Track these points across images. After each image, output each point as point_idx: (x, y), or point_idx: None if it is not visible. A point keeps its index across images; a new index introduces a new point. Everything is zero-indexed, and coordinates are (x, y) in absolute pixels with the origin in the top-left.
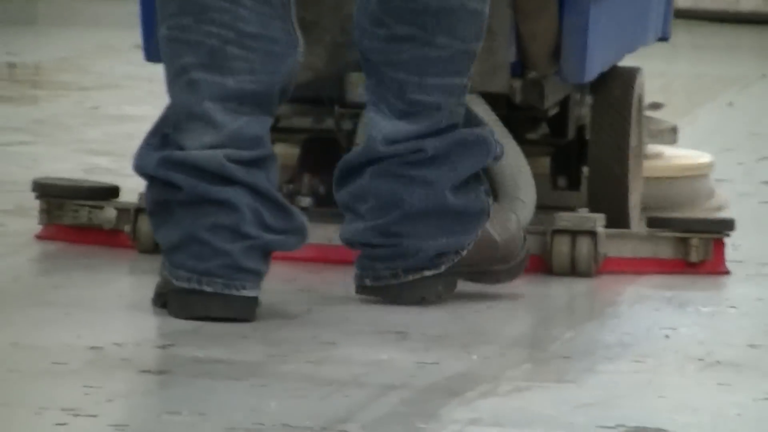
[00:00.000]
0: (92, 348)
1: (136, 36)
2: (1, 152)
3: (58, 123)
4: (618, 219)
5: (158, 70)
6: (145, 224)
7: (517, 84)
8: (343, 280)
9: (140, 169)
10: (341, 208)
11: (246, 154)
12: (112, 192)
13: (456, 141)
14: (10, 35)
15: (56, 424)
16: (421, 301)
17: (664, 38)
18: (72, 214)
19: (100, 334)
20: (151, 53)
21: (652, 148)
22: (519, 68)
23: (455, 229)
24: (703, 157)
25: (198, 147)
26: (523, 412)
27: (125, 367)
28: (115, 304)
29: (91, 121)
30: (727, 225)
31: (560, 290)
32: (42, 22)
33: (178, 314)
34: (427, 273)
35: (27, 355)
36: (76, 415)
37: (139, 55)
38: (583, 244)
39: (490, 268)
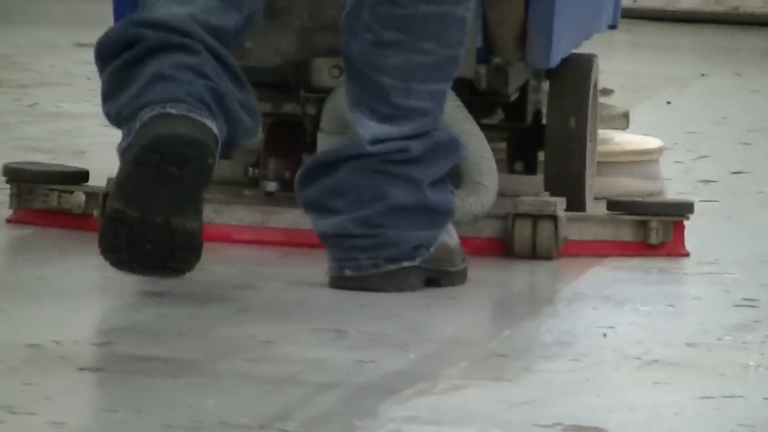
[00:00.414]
0: (30, 345)
1: (76, 34)
2: None
3: None
4: (575, 203)
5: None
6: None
7: (483, 70)
8: (280, 277)
9: (100, 45)
10: (307, 205)
11: (215, 22)
12: (81, 176)
13: (435, 141)
14: None
15: None
16: (399, 291)
17: (613, 26)
18: (42, 198)
19: (39, 330)
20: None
21: (605, 133)
22: (485, 54)
23: (429, 224)
24: (652, 143)
25: (163, 13)
26: (460, 410)
27: (63, 364)
28: (57, 300)
29: (30, 118)
30: (687, 208)
31: (498, 288)
32: None
33: (144, 139)
34: (406, 264)
35: None
36: (14, 413)
37: (79, 52)
38: (545, 228)
39: (445, 269)
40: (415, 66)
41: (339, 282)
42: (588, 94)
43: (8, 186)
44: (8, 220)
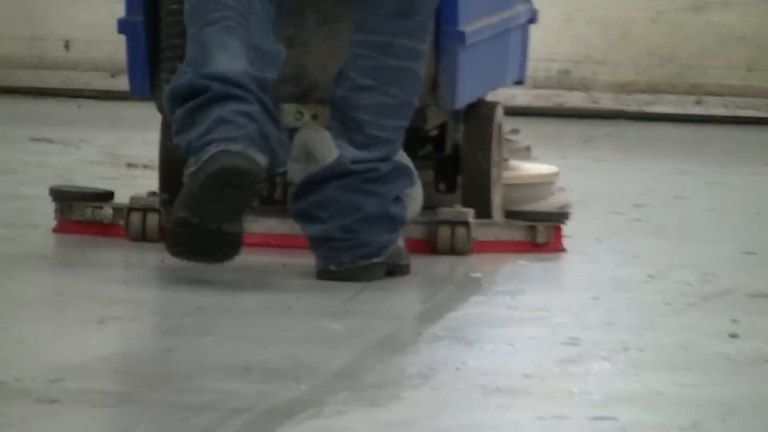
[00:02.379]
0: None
1: (30, 130)
2: None
3: None
4: (484, 213)
5: (48, 159)
6: (135, 218)
7: None
8: (200, 322)
9: (173, 89)
10: (298, 215)
11: (259, 76)
12: (109, 195)
13: (395, 165)
14: None
15: None
16: (369, 281)
17: (520, 82)
18: (79, 212)
19: (3, 369)
20: (136, 90)
21: (513, 162)
22: None
23: (391, 230)
24: (549, 169)
25: (224, 67)
26: (343, 430)
27: (23, 396)
28: (18, 339)
29: None
30: (564, 216)
31: (377, 327)
32: None
33: (211, 168)
34: (375, 260)
35: None
36: None
37: (33, 145)
38: (460, 231)
39: (398, 263)
40: (384, 106)
41: (325, 275)
42: (491, 133)
43: (54, 203)
44: (54, 230)
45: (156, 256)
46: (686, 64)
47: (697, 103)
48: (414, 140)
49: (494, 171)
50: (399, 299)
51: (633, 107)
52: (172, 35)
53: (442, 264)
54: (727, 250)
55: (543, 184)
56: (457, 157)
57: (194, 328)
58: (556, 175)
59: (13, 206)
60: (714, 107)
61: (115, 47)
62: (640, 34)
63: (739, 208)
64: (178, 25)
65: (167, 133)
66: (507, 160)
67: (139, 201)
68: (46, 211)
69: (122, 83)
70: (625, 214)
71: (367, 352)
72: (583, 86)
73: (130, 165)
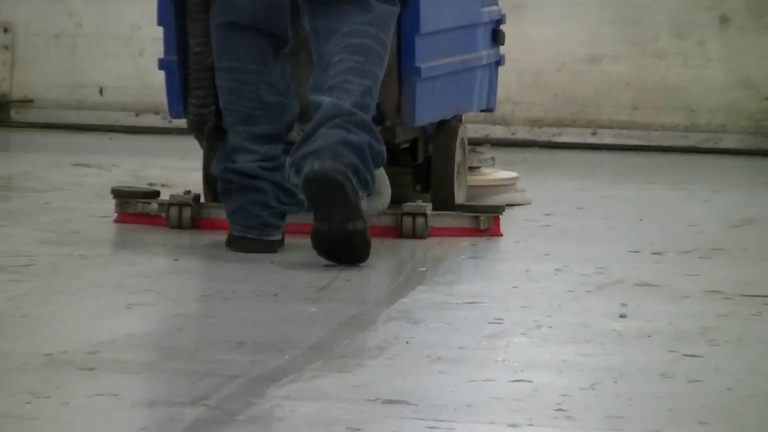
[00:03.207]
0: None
1: (72, 157)
2: None
3: (22, 212)
4: (447, 206)
5: (86, 179)
6: (173, 212)
7: (378, 128)
8: (205, 306)
9: (213, 172)
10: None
11: (269, 164)
12: (155, 194)
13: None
14: None
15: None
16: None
17: (489, 109)
18: (132, 206)
19: (50, 344)
20: (173, 112)
21: (485, 169)
22: (380, 119)
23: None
24: (510, 174)
25: (243, 161)
26: (317, 391)
27: (67, 365)
28: (62, 320)
29: (44, 212)
30: (500, 209)
31: (344, 310)
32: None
33: (236, 250)
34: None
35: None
36: (37, 397)
37: (75, 169)
38: (420, 220)
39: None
40: (350, 68)
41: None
42: (454, 146)
43: (114, 200)
44: (115, 220)
45: (177, 251)
46: (584, 104)
47: (593, 134)
48: (393, 152)
49: (457, 176)
50: (362, 288)
51: (543, 138)
52: (197, 70)
53: (404, 249)
54: (617, 249)
55: (506, 186)
56: (429, 164)
57: (200, 312)
58: (516, 179)
59: (59, 217)
60: (606, 138)
61: (137, 92)
62: (548, 81)
63: (627, 216)
64: (200, 62)
65: (207, 147)
66: (479, 167)
67: (176, 198)
68: (86, 220)
69: (145, 120)
70: (537, 221)
71: (336, 330)
72: (504, 121)
73: (150, 184)
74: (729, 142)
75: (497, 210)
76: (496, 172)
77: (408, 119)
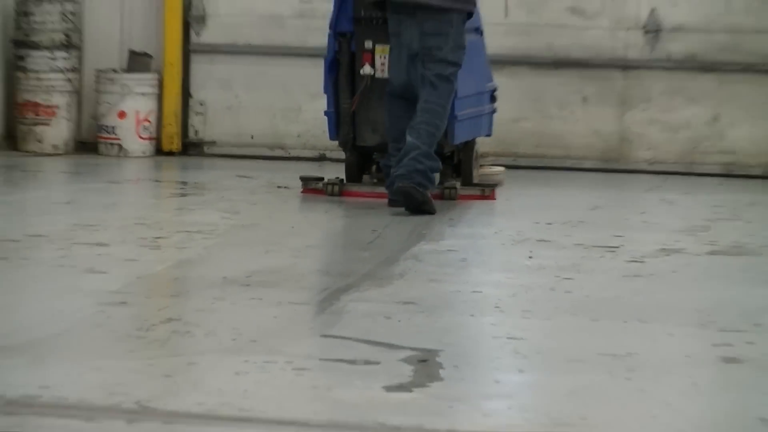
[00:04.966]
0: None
1: (236, 172)
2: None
3: (209, 201)
4: (469, 184)
5: (243, 182)
6: (329, 188)
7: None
8: (314, 252)
9: (382, 162)
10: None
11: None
12: (321, 179)
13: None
14: None
15: None
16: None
17: (489, 134)
18: (311, 184)
19: (221, 272)
20: (331, 136)
21: (490, 167)
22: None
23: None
24: (499, 169)
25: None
26: (367, 297)
27: (231, 284)
28: (231, 261)
29: (223, 200)
30: (495, 185)
31: (380, 255)
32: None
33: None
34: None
35: None
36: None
37: (237, 180)
38: (451, 191)
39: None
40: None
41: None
42: (473, 155)
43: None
44: (301, 192)
45: (326, 210)
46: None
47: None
48: (442, 156)
49: (474, 171)
50: (391, 243)
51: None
52: (345, 116)
53: (440, 209)
54: (528, 222)
55: (499, 174)
56: (460, 163)
57: (306, 254)
58: (504, 171)
59: (232, 201)
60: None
61: (272, 138)
62: (502, 132)
63: (535, 204)
64: (346, 111)
65: (348, 155)
66: (483, 166)
67: (331, 180)
68: (246, 201)
69: (275, 153)
70: (495, 206)
71: (377, 265)
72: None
73: (279, 187)
74: (588, 164)
75: (493, 186)
76: (492, 167)
77: (450, 140)
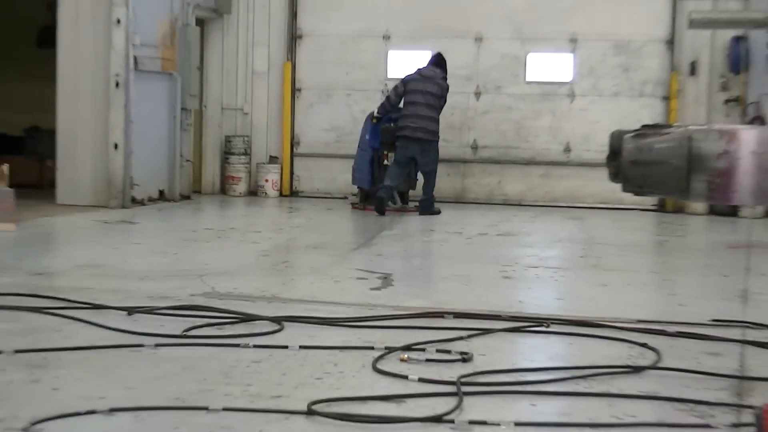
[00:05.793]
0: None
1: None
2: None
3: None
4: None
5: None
6: (359, 205)
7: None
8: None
9: (378, 193)
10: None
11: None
12: (357, 203)
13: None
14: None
15: None
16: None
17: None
18: (352, 205)
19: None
20: (355, 181)
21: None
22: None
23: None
24: None
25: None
26: (364, 254)
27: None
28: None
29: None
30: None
31: (369, 234)
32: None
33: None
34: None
35: None
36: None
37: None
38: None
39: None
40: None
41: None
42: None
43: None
44: (351, 209)
45: (348, 219)
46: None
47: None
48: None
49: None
50: (374, 227)
51: None
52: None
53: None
54: (480, 228)
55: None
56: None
57: (340, 236)
58: None
59: (316, 213)
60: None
61: (326, 186)
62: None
63: (493, 218)
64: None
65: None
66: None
67: (354, 199)
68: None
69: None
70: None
71: (369, 239)
72: None
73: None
74: None
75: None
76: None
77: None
